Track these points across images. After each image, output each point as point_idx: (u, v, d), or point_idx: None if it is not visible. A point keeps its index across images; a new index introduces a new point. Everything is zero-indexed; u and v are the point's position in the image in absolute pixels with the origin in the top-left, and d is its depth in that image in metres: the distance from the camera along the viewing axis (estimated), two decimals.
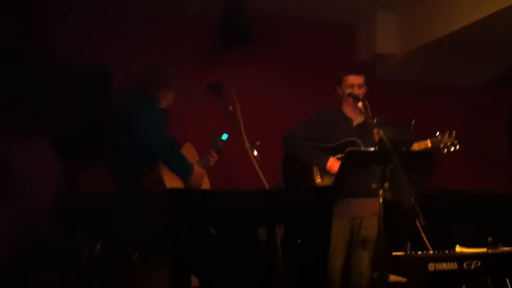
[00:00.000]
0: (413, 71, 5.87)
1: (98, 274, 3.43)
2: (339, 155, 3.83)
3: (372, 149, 3.31)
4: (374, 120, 3.17)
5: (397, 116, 4.16)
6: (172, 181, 3.35)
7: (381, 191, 3.04)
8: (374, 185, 3.08)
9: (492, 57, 5.85)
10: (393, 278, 2.97)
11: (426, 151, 3.67)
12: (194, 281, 3.46)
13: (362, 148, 3.62)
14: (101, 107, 4.45)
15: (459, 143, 3.79)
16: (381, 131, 3.04)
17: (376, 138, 3.16)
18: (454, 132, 3.84)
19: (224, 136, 4.00)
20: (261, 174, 3.30)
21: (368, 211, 3.86)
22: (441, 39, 5.10)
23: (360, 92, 3.93)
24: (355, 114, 4.03)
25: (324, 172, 3.85)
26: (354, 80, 3.97)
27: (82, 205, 4.17)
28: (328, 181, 3.83)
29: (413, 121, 3.36)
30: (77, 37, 4.81)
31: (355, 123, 4.02)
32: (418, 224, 3.27)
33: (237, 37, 5.32)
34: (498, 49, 5.54)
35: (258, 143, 3.60)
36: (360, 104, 3.56)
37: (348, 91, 3.92)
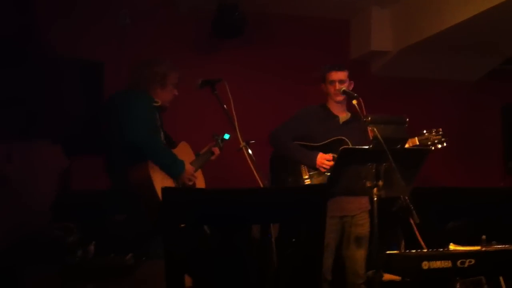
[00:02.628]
0: (408, 67, 5.87)
1: (92, 273, 3.41)
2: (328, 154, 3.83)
3: (367, 147, 3.30)
4: (368, 118, 3.16)
5: (391, 113, 4.15)
6: (164, 182, 3.33)
7: (375, 189, 3.03)
8: (368, 183, 3.07)
9: (486, 53, 5.86)
10: (387, 276, 2.97)
11: (417, 149, 3.68)
12: (188, 281, 3.46)
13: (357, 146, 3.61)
14: (95, 103, 4.45)
15: (445, 140, 3.81)
16: (375, 129, 3.03)
17: (370, 136, 3.15)
18: (440, 129, 3.84)
19: (226, 136, 3.99)
20: (255, 173, 3.29)
21: (358, 209, 3.87)
22: (435, 36, 5.10)
23: (342, 87, 3.90)
24: (340, 110, 4.03)
25: (313, 169, 3.85)
26: (335, 76, 3.97)
27: (75, 201, 4.16)
28: (317, 180, 3.82)
29: (407, 118, 3.35)
30: (70, 33, 4.80)
31: (341, 120, 4.02)
32: (412, 222, 3.27)
33: (231, 32, 5.31)
34: (492, 45, 5.55)
35: (252, 141, 3.59)
36: (354, 101, 3.55)
37: (330, 87, 3.94)
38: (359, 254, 3.82)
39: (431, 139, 3.85)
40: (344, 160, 3.07)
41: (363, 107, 3.46)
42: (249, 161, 3.29)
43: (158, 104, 3.53)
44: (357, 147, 3.49)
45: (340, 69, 4.00)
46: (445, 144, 3.83)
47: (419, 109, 5.73)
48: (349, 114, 4.06)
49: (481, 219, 3.90)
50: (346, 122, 4.02)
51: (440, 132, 3.85)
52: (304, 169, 3.90)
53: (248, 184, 3.40)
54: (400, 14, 5.57)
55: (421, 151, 3.45)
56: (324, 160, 3.78)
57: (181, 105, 4.30)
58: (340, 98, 3.96)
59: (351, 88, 3.95)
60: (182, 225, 2.88)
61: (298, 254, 3.26)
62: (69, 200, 3.90)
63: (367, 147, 3.14)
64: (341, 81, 3.95)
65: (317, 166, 3.80)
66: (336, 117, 4.02)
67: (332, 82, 3.97)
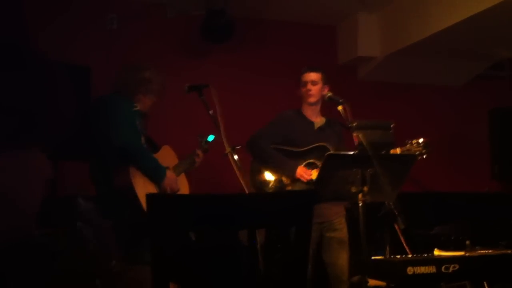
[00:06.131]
0: (394, 73, 5.90)
1: (76, 280, 3.40)
2: (308, 160, 3.83)
3: (352, 152, 3.31)
4: (353, 123, 3.16)
5: (378, 118, 4.17)
6: (146, 187, 3.32)
7: (360, 195, 3.04)
8: (353, 189, 3.07)
9: (472, 58, 5.90)
10: (372, 282, 2.98)
11: (403, 155, 3.67)
12: None
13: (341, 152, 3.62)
14: (82, 109, 4.43)
15: (427, 152, 3.71)
16: (360, 135, 3.04)
17: (356, 141, 3.15)
18: (423, 140, 3.75)
19: (210, 137, 3.97)
20: (241, 179, 3.28)
21: (335, 214, 3.87)
22: (422, 41, 5.13)
23: (314, 89, 3.89)
24: (314, 115, 4.01)
25: (293, 180, 3.83)
26: (306, 77, 3.96)
27: (62, 207, 4.14)
28: (299, 186, 3.81)
29: (393, 124, 3.35)
30: (58, 38, 4.77)
31: (316, 126, 4.01)
32: (397, 227, 3.29)
33: (219, 37, 5.31)
34: (478, 50, 5.59)
35: (238, 147, 3.58)
36: (340, 107, 3.55)
37: (302, 88, 3.93)
38: (341, 260, 3.81)
39: (413, 151, 3.78)
40: (329, 166, 3.08)
41: (348, 113, 3.46)
42: (235, 167, 3.29)
43: (137, 108, 3.53)
44: (342, 152, 3.49)
45: (311, 70, 3.96)
46: (424, 157, 3.74)
47: (406, 114, 5.76)
48: (323, 120, 4.04)
49: (466, 224, 3.92)
50: (321, 128, 4.00)
51: (421, 144, 3.76)
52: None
53: (234, 190, 3.40)
54: (387, 20, 5.60)
55: (407, 157, 3.46)
56: (303, 173, 3.77)
57: (169, 109, 4.30)
58: (312, 99, 3.93)
59: (325, 92, 3.90)
60: (168, 232, 2.88)
61: (285, 260, 3.26)
62: (55, 206, 3.88)
63: (352, 152, 3.15)
64: (313, 82, 3.93)
65: (297, 177, 3.78)
66: (311, 123, 4.00)
67: (305, 83, 3.95)
